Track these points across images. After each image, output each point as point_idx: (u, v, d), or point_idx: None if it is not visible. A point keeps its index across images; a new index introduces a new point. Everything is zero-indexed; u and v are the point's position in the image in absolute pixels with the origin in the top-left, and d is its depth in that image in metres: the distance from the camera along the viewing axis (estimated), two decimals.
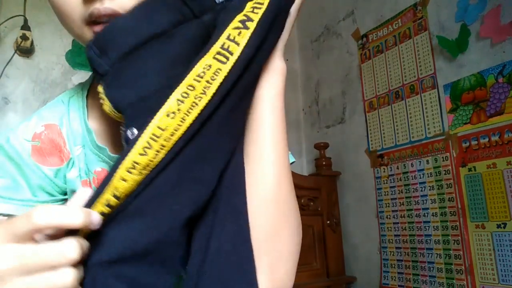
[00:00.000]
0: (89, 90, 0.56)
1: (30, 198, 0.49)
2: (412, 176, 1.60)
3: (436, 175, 1.50)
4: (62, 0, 0.44)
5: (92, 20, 0.43)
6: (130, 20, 0.41)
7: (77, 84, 0.59)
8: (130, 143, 0.37)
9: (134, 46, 0.40)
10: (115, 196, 0.36)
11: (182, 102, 0.37)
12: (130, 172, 0.36)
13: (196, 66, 0.39)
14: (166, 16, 0.41)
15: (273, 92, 0.45)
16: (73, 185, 0.51)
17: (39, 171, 0.50)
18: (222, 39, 0.39)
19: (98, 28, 0.43)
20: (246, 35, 0.39)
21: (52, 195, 0.51)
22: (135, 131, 0.38)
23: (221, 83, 0.38)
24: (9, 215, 0.47)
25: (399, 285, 1.62)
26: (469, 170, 1.39)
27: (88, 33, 0.44)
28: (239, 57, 0.39)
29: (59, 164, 0.51)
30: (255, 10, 0.41)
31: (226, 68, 0.39)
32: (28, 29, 1.58)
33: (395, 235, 1.65)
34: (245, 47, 0.39)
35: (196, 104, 0.38)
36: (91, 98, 0.55)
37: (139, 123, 0.37)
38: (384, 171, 1.72)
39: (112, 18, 0.42)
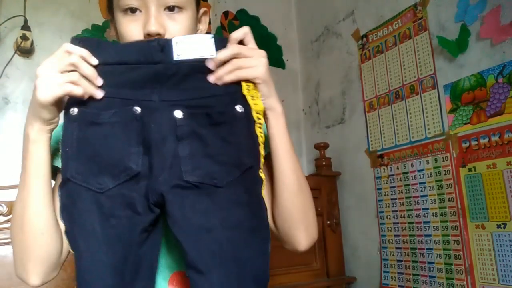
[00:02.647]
0: None
1: None
2: (412, 176, 1.60)
3: (436, 175, 1.50)
4: (130, 35, 0.67)
5: None
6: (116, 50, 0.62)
7: None
8: None
9: (113, 63, 0.60)
10: None
11: None
12: None
13: None
14: (136, 55, 0.60)
15: (272, 132, 0.67)
16: None
17: None
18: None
19: None
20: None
21: None
22: None
23: None
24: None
25: (399, 285, 1.62)
26: (469, 170, 1.39)
27: None
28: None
29: None
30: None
31: None
32: (28, 29, 1.58)
33: (395, 235, 1.65)
34: None
35: None
36: None
37: None
38: (384, 171, 1.72)
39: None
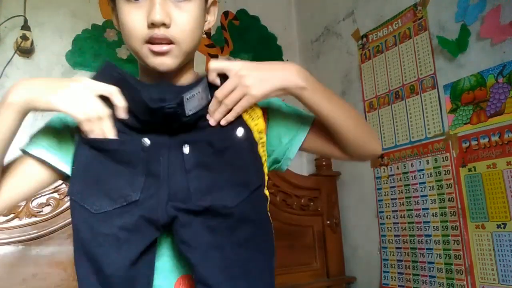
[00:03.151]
0: None
1: (56, 163, 0.66)
2: (412, 176, 1.60)
3: (436, 175, 1.50)
4: (132, 24, 0.63)
5: (149, 41, 0.63)
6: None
7: None
8: None
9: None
10: None
11: None
12: None
13: None
14: (150, 111, 0.61)
15: (307, 106, 0.68)
16: None
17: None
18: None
19: (152, 47, 0.63)
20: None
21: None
22: None
23: None
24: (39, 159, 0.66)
25: (399, 285, 1.62)
26: (469, 170, 1.39)
27: (145, 49, 0.64)
28: None
29: None
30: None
31: None
32: (28, 29, 1.58)
33: (395, 235, 1.65)
34: None
35: None
36: None
37: None
38: (384, 171, 1.72)
39: (163, 41, 0.62)
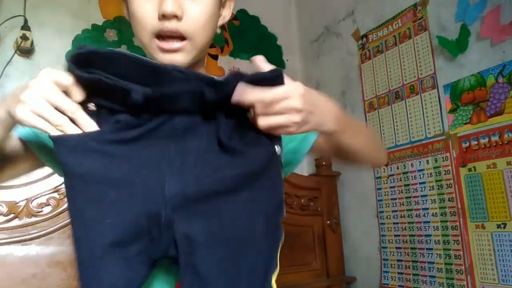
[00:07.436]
0: None
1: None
2: (412, 176, 1.60)
3: (436, 175, 1.50)
4: (142, 15, 0.59)
5: (159, 35, 0.59)
6: None
7: None
8: None
9: None
10: None
11: None
12: None
13: None
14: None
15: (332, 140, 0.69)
16: None
17: None
18: None
19: (161, 43, 0.59)
20: None
21: None
22: None
23: None
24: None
25: (399, 285, 1.62)
26: (469, 170, 1.39)
27: (153, 44, 0.60)
28: None
29: None
30: None
31: None
32: (28, 29, 1.58)
33: (395, 235, 1.65)
34: None
35: None
36: None
37: None
38: (384, 171, 1.72)
39: (174, 35, 0.58)
